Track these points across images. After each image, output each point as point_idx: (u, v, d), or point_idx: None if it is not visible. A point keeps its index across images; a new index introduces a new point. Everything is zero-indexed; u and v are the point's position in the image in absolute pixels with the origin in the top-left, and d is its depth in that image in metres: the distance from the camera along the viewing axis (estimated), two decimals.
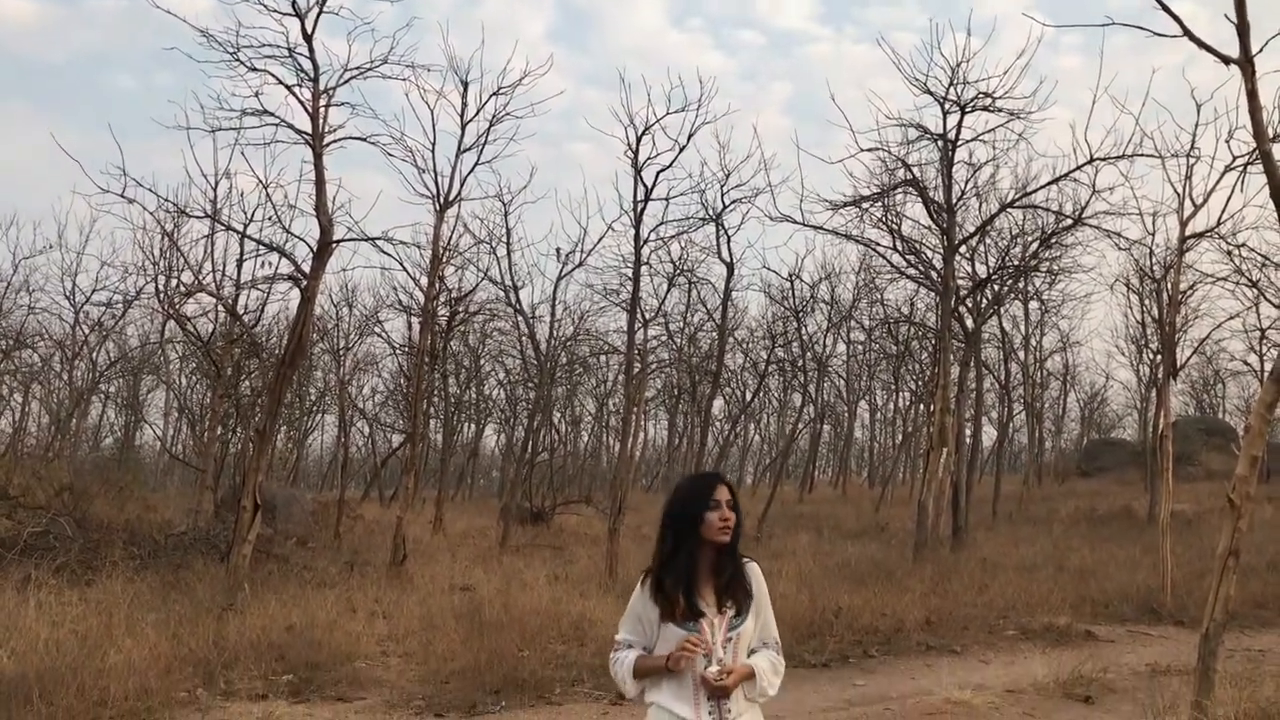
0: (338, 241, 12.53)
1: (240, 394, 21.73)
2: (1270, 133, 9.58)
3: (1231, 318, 34.92)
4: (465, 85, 16.13)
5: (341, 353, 30.25)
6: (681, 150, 16.08)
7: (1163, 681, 8.67)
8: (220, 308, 16.85)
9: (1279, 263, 22.07)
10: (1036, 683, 8.76)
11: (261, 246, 14.81)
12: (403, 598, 12.01)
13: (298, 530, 18.83)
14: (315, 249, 12.05)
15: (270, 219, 14.46)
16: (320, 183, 12.01)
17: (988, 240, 22.08)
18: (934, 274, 19.46)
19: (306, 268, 12.26)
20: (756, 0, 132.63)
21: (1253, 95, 6.97)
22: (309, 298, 11.92)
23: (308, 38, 12.39)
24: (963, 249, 20.23)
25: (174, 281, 16.50)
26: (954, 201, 18.20)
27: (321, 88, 12.67)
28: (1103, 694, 8.64)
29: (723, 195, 18.14)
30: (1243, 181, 13.95)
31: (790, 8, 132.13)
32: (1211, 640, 6.64)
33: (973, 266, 22.21)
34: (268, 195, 13.74)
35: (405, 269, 22.32)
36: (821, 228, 19.00)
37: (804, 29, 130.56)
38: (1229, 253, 22.68)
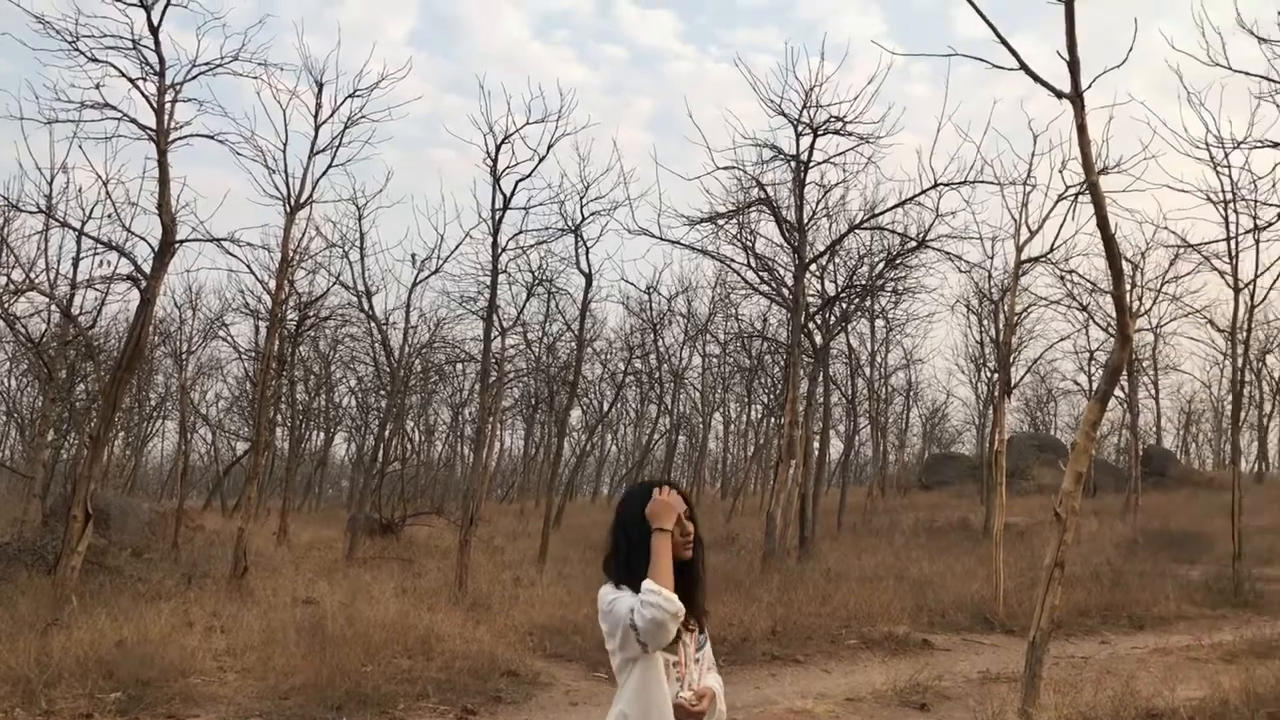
0: (181, 242, 12.07)
1: (74, 398, 20.73)
2: (1098, 165, 10.13)
3: (1063, 339, 36.83)
4: (320, 86, 15.78)
5: (184, 357, 29.16)
6: (541, 160, 16.06)
7: (993, 689, 9.04)
8: (54, 308, 16.05)
9: (1106, 289, 23.28)
10: (875, 691, 9.01)
11: (99, 245, 14.16)
12: (242, 611, 11.62)
13: (133, 541, 18.06)
14: (157, 249, 11.57)
15: (110, 216, 13.82)
16: (164, 180, 11.55)
17: (837, 259, 22.73)
18: (785, 291, 19.90)
19: (147, 268, 11.76)
20: (622, 15, 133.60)
21: (1082, 129, 7.37)
22: (149, 299, 11.45)
23: (154, 30, 11.91)
24: (813, 267, 20.76)
25: (3, 279, 15.63)
26: (805, 221, 18.66)
27: (168, 82, 12.18)
28: (938, 701, 8.95)
29: (582, 207, 18.16)
30: (1074, 210, 14.73)
31: (655, 25, 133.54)
32: (1038, 648, 6.96)
33: (822, 284, 22.83)
34: (107, 192, 13.16)
35: (253, 271, 21.62)
36: (678, 242, 19.25)
37: (668, 46, 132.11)
38: (1061, 277, 23.96)
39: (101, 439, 11.52)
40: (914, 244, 19.63)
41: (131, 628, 9.85)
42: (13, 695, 7.67)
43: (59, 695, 7.81)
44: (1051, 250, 16.60)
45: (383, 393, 29.02)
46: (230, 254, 14.89)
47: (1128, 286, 14.53)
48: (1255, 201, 14.59)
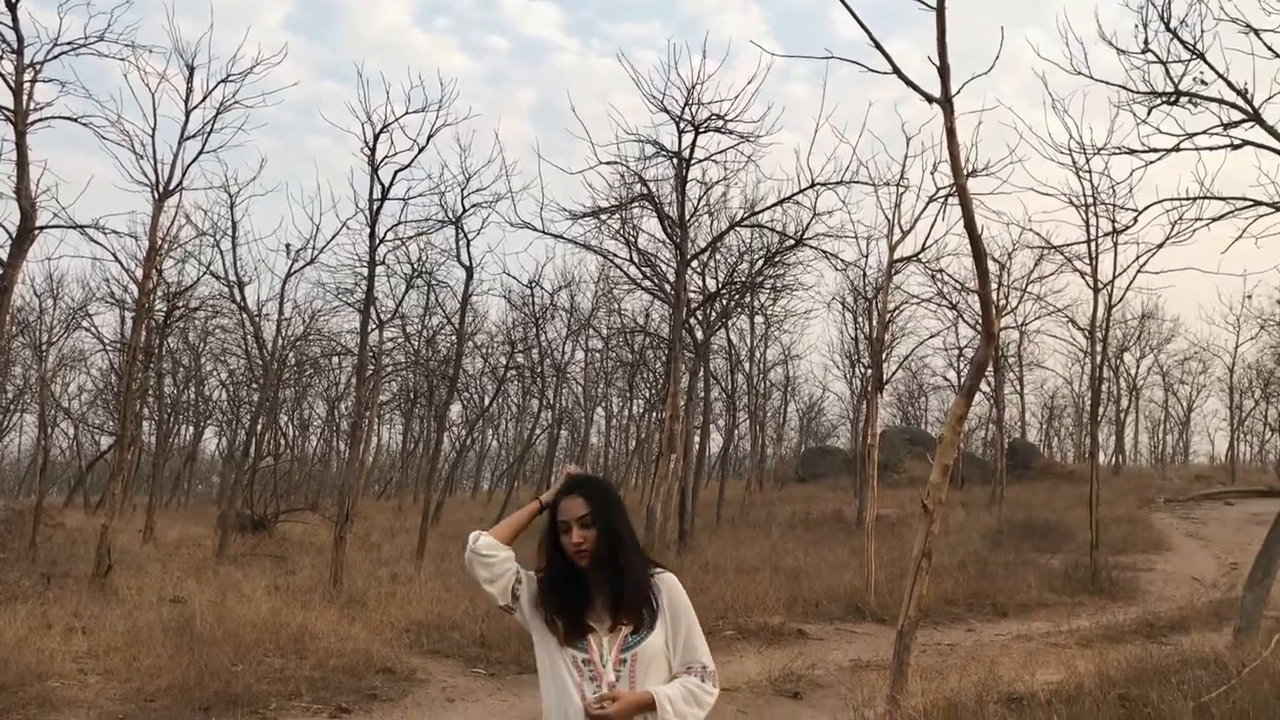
0: (41, 228, 11.61)
1: None
2: (966, 169, 10.47)
3: (933, 336, 38.01)
4: (191, 70, 15.28)
5: (44, 348, 27.99)
6: (421, 150, 15.85)
7: (864, 676, 9.28)
8: None
9: (974, 288, 24.07)
10: (750, 681, 9.17)
11: None
12: (105, 611, 11.22)
13: None
14: (14, 235, 11.11)
15: None
16: (23, 164, 11.09)
17: (718, 256, 23.02)
18: (667, 286, 20.05)
19: (4, 255, 11.28)
20: (505, 5, 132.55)
21: (951, 133, 7.60)
22: (6, 288, 10.98)
23: (11, 6, 11.43)
24: (694, 264, 20.97)
25: None
26: (687, 218, 18.81)
27: (26, 61, 11.70)
28: (810, 689, 9.16)
29: (463, 198, 17.98)
30: (944, 211, 15.21)
31: (539, 16, 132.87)
32: (905, 636, 7.17)
33: (704, 280, 23.08)
34: None
35: (119, 260, 20.92)
36: (561, 236, 19.20)
37: (551, 38, 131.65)
38: (932, 276, 24.69)
39: None
40: (792, 242, 19.97)
41: None
42: None
43: None
44: (923, 250, 17.10)
45: (255, 386, 28.30)
46: (95, 241, 14.45)
47: (994, 286, 15.10)
48: (1114, 205, 15.25)
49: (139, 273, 17.42)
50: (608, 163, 18.20)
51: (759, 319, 33.11)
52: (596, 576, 2.91)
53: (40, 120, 11.78)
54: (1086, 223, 16.97)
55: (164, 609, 11.45)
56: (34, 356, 28.61)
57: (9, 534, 18.41)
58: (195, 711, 7.77)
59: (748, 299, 27.31)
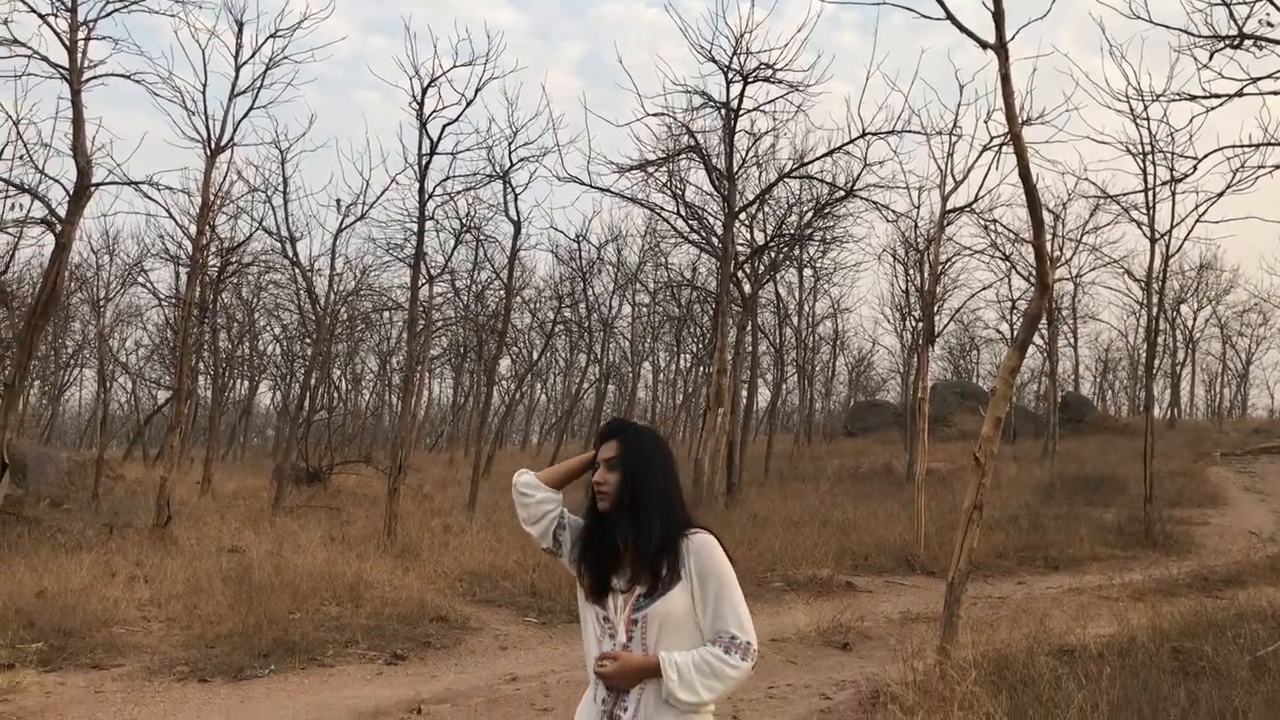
0: (97, 185, 11.76)
1: None
2: (1021, 117, 10.28)
3: (985, 288, 37.55)
4: (240, 25, 15.42)
5: (102, 303, 28.47)
6: (469, 104, 15.86)
7: (913, 628, 9.29)
8: None
9: (1028, 238, 23.71)
10: (799, 632, 9.21)
11: (11, 187, 13.72)
12: (166, 561, 11.49)
13: (51, 491, 17.73)
14: (72, 192, 11.26)
15: (21, 158, 13.39)
16: (78, 121, 11.22)
17: (766, 208, 22.85)
18: (715, 240, 19.97)
19: (62, 212, 11.45)
20: None
21: (1006, 80, 7.45)
22: (64, 244, 11.15)
23: None
24: (742, 216, 20.84)
25: None
26: (735, 169, 18.69)
27: (80, 19, 11.80)
28: (859, 641, 9.18)
29: (510, 152, 18.01)
30: (998, 161, 14.97)
31: None
32: (956, 589, 7.16)
33: (751, 233, 22.94)
34: (19, 132, 12.72)
35: (173, 216, 21.26)
36: (608, 190, 19.19)
37: None
38: (985, 227, 24.35)
39: (16, 387, 11.25)
40: (842, 193, 19.78)
41: (52, 578, 9.71)
42: None
43: None
44: (976, 200, 16.88)
45: (308, 340, 28.65)
46: (149, 198, 14.60)
47: (1048, 236, 14.84)
48: (1173, 153, 14.91)
49: (192, 228, 17.66)
50: (655, 115, 18.13)
51: (808, 272, 32.89)
52: (620, 527, 2.79)
53: (94, 78, 11.90)
54: (1144, 171, 16.65)
55: (223, 559, 11.71)
56: (92, 312, 29.08)
57: (72, 485, 18.87)
58: (255, 658, 7.95)
59: (796, 251, 27.12)
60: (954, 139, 15.69)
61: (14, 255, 19.04)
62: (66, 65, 11.42)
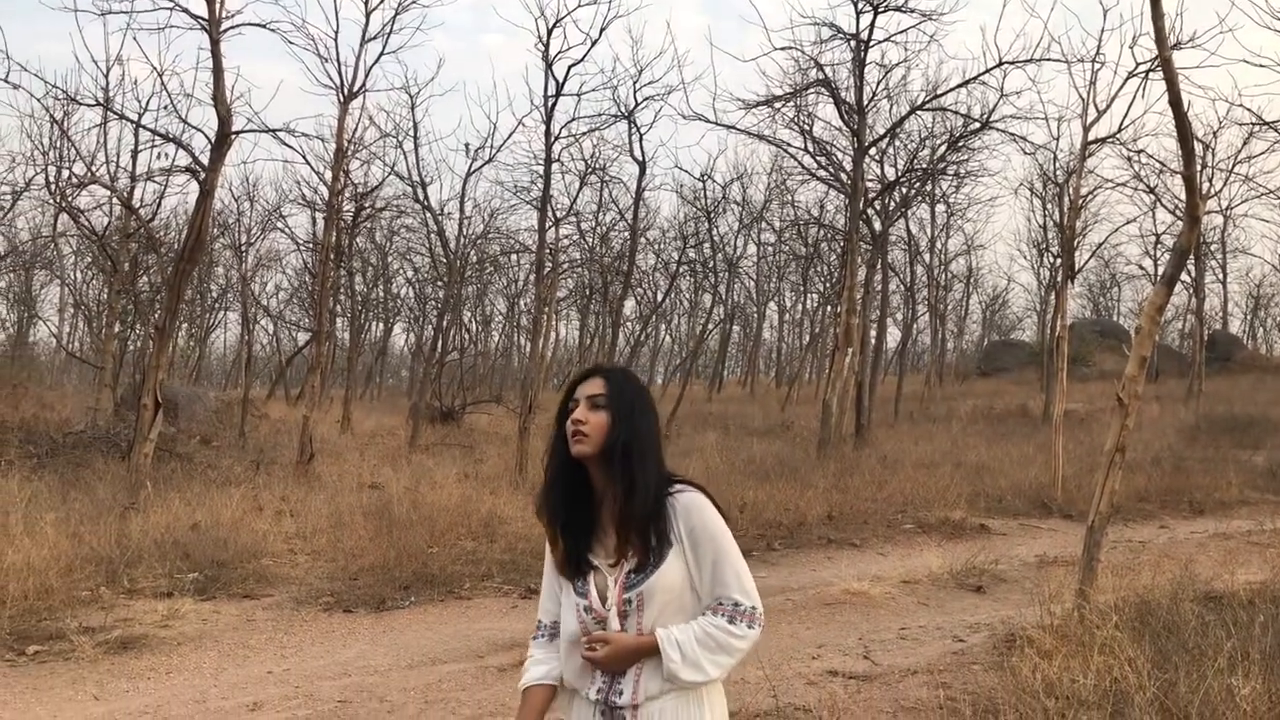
0: (237, 133, 12.12)
1: (138, 290, 21.11)
2: (1171, 40, 9.74)
3: (1129, 222, 36.18)
4: None
5: (243, 248, 29.47)
6: (594, 44, 15.81)
7: (1050, 571, 9.06)
8: (115, 200, 16.23)
9: (1176, 169, 22.61)
10: (931, 574, 9.09)
11: (157, 137, 14.32)
12: (310, 496, 11.96)
13: (201, 429, 18.57)
14: (214, 140, 11.62)
15: (166, 108, 14.00)
16: (218, 71, 11.53)
17: (897, 143, 22.29)
18: (844, 176, 19.57)
19: (205, 160, 11.84)
20: None
21: (1155, 1, 7.05)
22: (208, 191, 11.54)
23: None
24: (872, 151, 20.37)
25: (65, 173, 15.85)
26: (865, 103, 18.23)
27: None
28: (993, 584, 9.02)
29: (635, 92, 17.96)
30: (1144, 88, 14.27)
31: None
32: (1096, 532, 6.95)
33: (882, 169, 22.43)
34: (163, 84, 13.34)
35: (308, 162, 21.86)
36: (734, 127, 18.94)
37: None
38: (1129, 159, 23.32)
39: (167, 330, 11.75)
40: (977, 125, 19.15)
41: (204, 512, 10.19)
42: (97, 574, 8.00)
43: (140, 575, 8.14)
44: (1120, 130, 16.16)
45: (439, 283, 29.24)
46: (286, 145, 15.06)
47: (1198, 167, 14.10)
48: None
49: (328, 175, 18.10)
50: (782, 48, 17.84)
51: (940, 208, 32.09)
52: (604, 482, 2.37)
53: (232, 27, 12.20)
54: None
55: (363, 494, 12.12)
56: (234, 257, 30.12)
57: (220, 424, 19.73)
58: (396, 589, 8.23)
59: (928, 187, 26.44)
60: (1097, 66, 15.01)
61: (161, 203, 19.89)
62: (206, 16, 11.73)
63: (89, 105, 14.80)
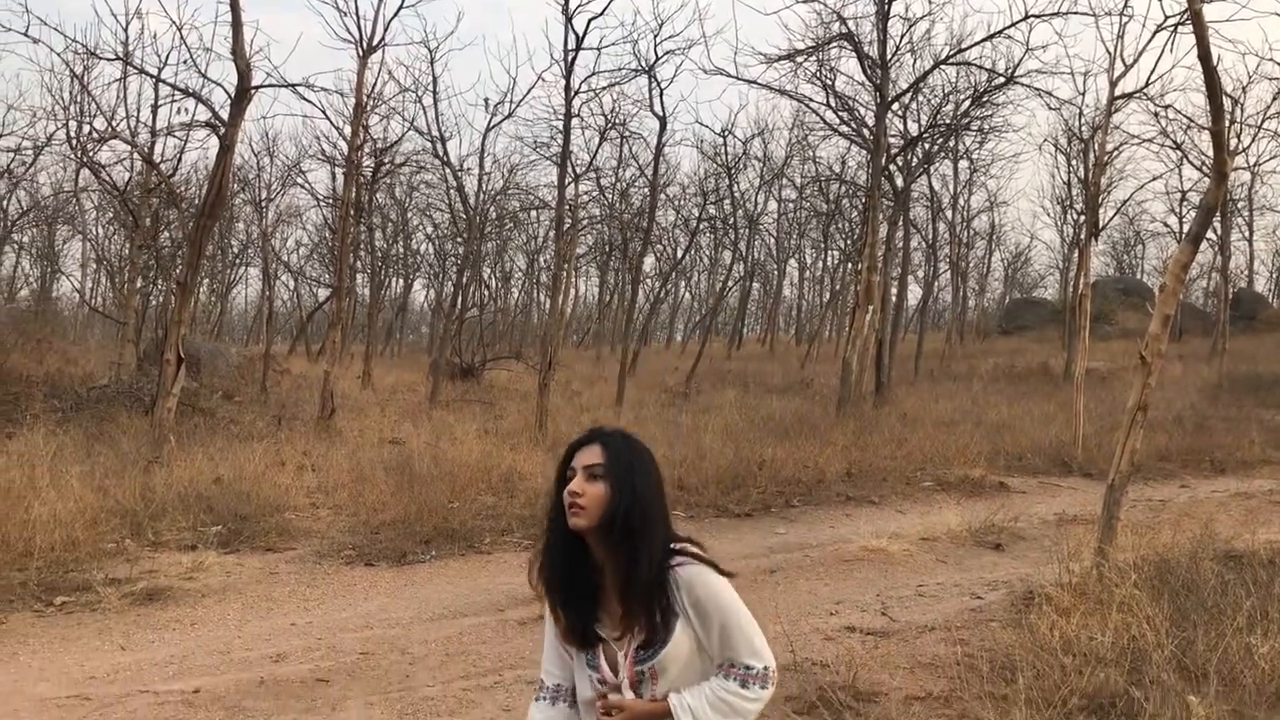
0: (257, 88, 12.06)
1: (160, 245, 21.20)
2: None
3: (1154, 179, 35.79)
4: None
5: (263, 204, 29.51)
6: None
7: (1069, 530, 9.06)
8: (136, 155, 16.26)
9: (1204, 125, 22.31)
10: (950, 531, 9.10)
11: (177, 92, 14.29)
12: (332, 451, 12.04)
13: (223, 384, 18.69)
14: (233, 95, 11.59)
15: (185, 63, 13.95)
16: (237, 25, 11.48)
17: (920, 98, 22.03)
18: (866, 131, 19.38)
19: (225, 114, 11.82)
20: None
21: None
22: (228, 146, 11.53)
23: None
24: (895, 106, 20.15)
25: (86, 128, 15.84)
26: (888, 57, 18.01)
27: None
28: (1012, 541, 9.02)
29: (655, 46, 17.94)
30: (1173, 42, 14.02)
31: None
32: (1116, 490, 6.93)
33: (904, 124, 22.19)
34: (183, 38, 13.28)
35: (328, 117, 21.81)
36: (755, 82, 18.82)
37: None
38: (1156, 114, 22.97)
39: (189, 285, 11.78)
40: (1002, 80, 18.91)
41: (227, 466, 10.28)
42: (122, 527, 8.10)
43: (164, 528, 8.24)
44: (1147, 85, 16.05)
45: (459, 239, 29.23)
46: (305, 100, 14.98)
47: (1227, 122, 13.90)
48: None
49: (347, 130, 18.03)
50: (804, 1, 17.54)
51: (963, 164, 31.76)
52: (604, 553, 2.31)
53: None
54: None
55: (384, 449, 12.19)
56: (255, 212, 30.16)
57: (242, 379, 19.86)
58: (417, 543, 8.30)
59: (952, 143, 26.16)
60: (1124, 19, 14.89)
61: (181, 158, 19.91)
62: None
63: (109, 60, 14.82)
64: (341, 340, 17.19)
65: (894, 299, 26.38)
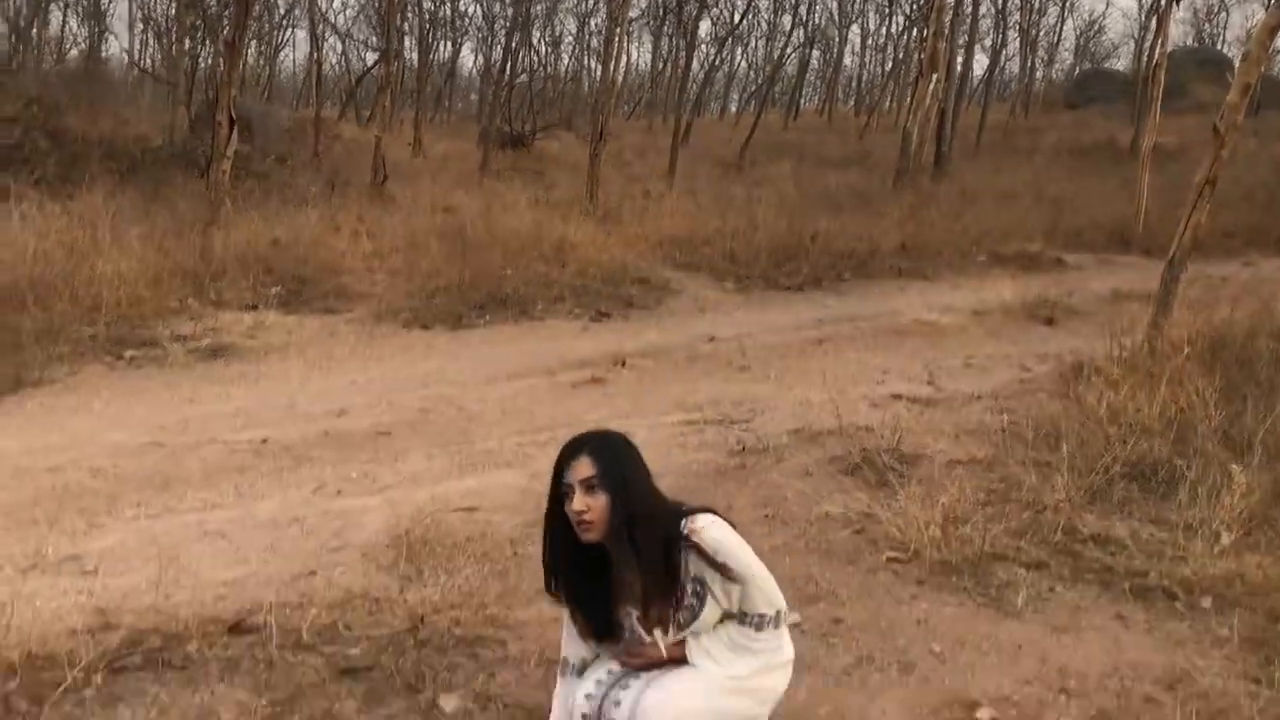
0: None
1: (206, 4, 20.75)
2: None
3: None
4: None
5: None
6: None
7: (1125, 306, 8.99)
8: None
9: None
10: (1003, 305, 9.08)
11: None
12: (385, 217, 12.10)
13: (275, 148, 18.62)
14: None
15: None
16: None
17: None
18: None
19: None
20: None
21: None
22: None
23: None
24: None
25: None
26: None
27: None
28: (1066, 316, 9.00)
29: None
30: None
31: None
32: (1176, 266, 6.82)
33: None
34: None
35: None
36: None
37: None
38: None
39: (236, 45, 11.58)
40: None
41: (284, 229, 10.39)
42: (184, 286, 8.30)
43: (225, 287, 8.43)
44: None
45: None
46: None
47: None
48: None
49: None
50: None
51: None
52: (621, 555, 2.36)
53: None
54: None
55: (437, 217, 12.23)
56: None
57: (293, 143, 19.74)
58: (471, 309, 8.44)
59: None
60: None
61: None
62: None
63: None
64: (391, 105, 16.96)
65: (959, 68, 25.40)
